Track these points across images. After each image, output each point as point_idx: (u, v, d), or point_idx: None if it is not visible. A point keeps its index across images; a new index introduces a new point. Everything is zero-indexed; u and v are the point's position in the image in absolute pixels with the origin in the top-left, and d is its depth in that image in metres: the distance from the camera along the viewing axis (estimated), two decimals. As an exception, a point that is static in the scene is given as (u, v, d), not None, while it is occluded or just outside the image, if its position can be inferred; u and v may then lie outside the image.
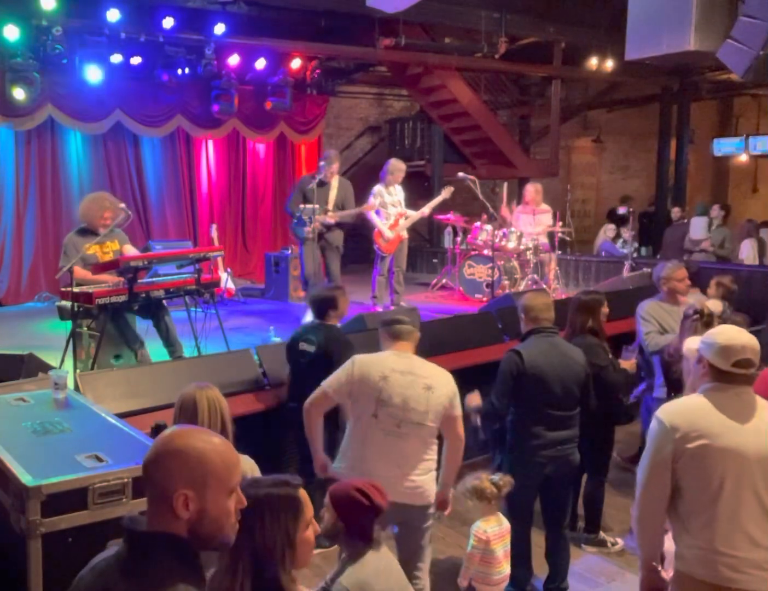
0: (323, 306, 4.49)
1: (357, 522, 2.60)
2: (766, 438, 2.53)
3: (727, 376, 2.57)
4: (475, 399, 4.02)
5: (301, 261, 7.66)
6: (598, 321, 4.50)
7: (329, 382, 3.51)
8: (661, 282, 5.14)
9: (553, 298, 7.86)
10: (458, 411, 3.47)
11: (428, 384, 3.38)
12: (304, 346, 4.45)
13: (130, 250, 5.71)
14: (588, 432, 4.08)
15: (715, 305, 5.14)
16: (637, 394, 5.05)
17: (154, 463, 1.58)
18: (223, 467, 1.59)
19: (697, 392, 2.65)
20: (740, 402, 2.58)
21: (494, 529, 3.58)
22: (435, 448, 3.49)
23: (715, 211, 10.50)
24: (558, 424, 3.84)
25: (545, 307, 4.00)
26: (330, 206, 7.50)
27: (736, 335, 2.62)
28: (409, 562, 3.32)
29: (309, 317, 4.69)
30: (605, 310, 4.59)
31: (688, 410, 2.60)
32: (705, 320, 4.13)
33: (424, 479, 3.42)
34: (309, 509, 2.04)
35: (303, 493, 2.04)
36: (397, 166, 7.90)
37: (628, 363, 4.76)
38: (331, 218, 7.48)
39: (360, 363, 3.46)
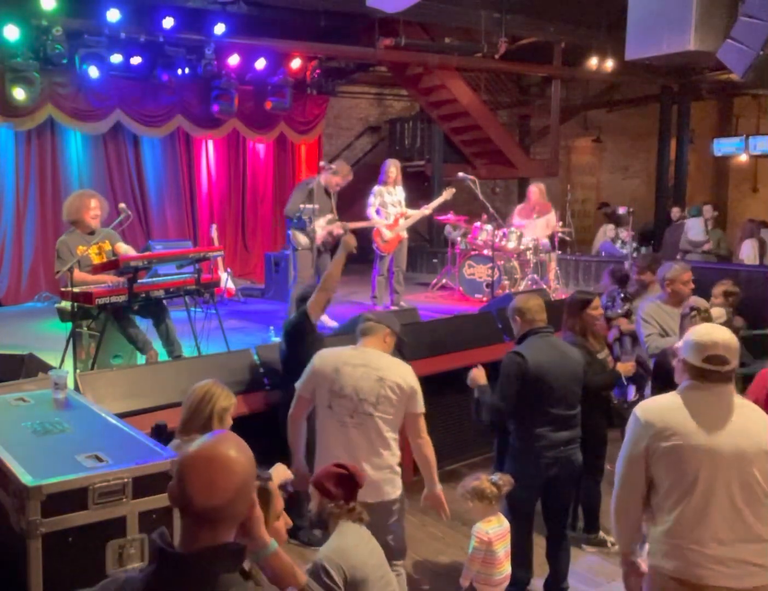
0: None
1: (339, 493, 2.75)
2: (743, 438, 2.52)
3: (700, 373, 2.56)
4: (479, 376, 3.98)
5: (296, 267, 7.14)
6: (581, 320, 4.45)
7: (298, 383, 3.66)
8: (666, 283, 5.03)
9: (553, 298, 7.93)
10: (417, 409, 3.48)
11: (380, 375, 3.43)
12: None
13: (123, 248, 5.65)
14: (581, 431, 4.06)
15: (718, 313, 5.11)
16: (620, 394, 4.98)
17: (234, 501, 1.55)
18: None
19: (676, 390, 2.66)
20: (718, 401, 2.58)
21: (495, 530, 3.57)
22: (393, 445, 3.48)
23: (708, 212, 10.46)
24: (562, 423, 3.84)
25: (539, 308, 4.00)
26: (335, 214, 7.26)
27: (709, 332, 2.61)
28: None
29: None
30: (595, 312, 4.50)
31: (664, 408, 2.63)
32: (703, 316, 4.11)
33: (379, 475, 3.40)
34: (279, 501, 2.12)
35: (273, 486, 2.10)
36: (389, 167, 7.90)
37: (625, 366, 4.72)
38: (339, 228, 7.08)
39: (319, 357, 3.61)
